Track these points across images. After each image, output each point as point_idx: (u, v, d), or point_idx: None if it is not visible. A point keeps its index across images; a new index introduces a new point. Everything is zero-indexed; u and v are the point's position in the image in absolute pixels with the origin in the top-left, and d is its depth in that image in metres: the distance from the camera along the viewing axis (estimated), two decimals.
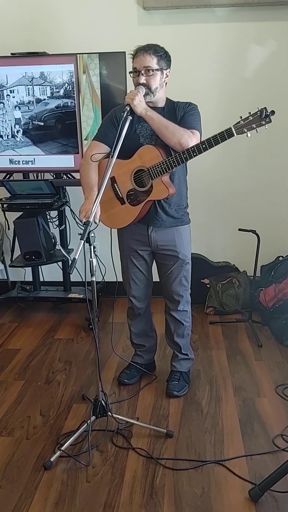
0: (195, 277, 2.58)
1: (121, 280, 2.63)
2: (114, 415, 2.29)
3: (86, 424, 2.24)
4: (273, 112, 1.98)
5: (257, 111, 2.00)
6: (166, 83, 2.29)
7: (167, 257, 2.48)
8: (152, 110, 2.20)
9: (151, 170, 2.23)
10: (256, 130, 2.02)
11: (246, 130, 2.02)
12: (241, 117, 2.03)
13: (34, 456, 2.17)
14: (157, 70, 2.20)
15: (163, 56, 2.22)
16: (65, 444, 2.16)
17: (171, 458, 2.14)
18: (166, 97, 2.34)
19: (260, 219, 3.59)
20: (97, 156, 2.33)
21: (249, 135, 2.03)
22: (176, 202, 2.39)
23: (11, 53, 3.22)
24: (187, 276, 2.53)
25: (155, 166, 2.21)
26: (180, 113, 2.28)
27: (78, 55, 3.11)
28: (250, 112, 2.01)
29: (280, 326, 3.20)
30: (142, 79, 2.20)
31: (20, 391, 2.67)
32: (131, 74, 2.26)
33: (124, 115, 2.11)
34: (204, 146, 2.09)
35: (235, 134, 2.04)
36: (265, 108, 1.98)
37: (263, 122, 1.99)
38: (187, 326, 2.63)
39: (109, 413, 2.26)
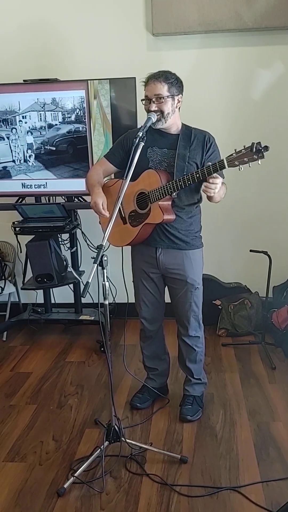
0: (206, 298, 2.57)
1: (133, 301, 2.64)
2: (127, 440, 2.26)
3: (99, 449, 2.22)
4: (266, 148, 1.94)
5: (249, 146, 1.98)
6: (179, 108, 2.32)
7: (176, 281, 2.47)
8: (220, 187, 2.18)
9: (151, 194, 2.28)
10: (249, 164, 2.00)
11: (238, 163, 2.01)
12: (235, 149, 2.04)
13: (47, 482, 2.14)
14: (168, 97, 2.23)
15: (174, 82, 2.26)
16: (79, 470, 2.14)
17: (186, 484, 2.10)
18: (182, 123, 2.37)
19: (271, 240, 3.59)
20: (110, 181, 2.51)
21: (241, 168, 2.03)
22: (184, 227, 2.39)
23: (23, 80, 3.29)
24: (197, 302, 2.51)
25: (153, 191, 2.27)
26: (199, 146, 2.30)
27: (89, 81, 3.17)
28: (244, 146, 2.01)
29: None
30: (153, 107, 2.24)
31: (33, 415, 2.65)
32: (143, 102, 2.30)
33: (137, 142, 2.13)
34: (198, 175, 2.13)
35: (226, 167, 2.05)
36: (258, 143, 1.96)
37: (255, 157, 1.97)
38: (199, 351, 2.60)
39: (122, 438, 2.24)
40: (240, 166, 2.02)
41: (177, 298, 2.51)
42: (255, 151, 1.95)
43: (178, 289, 2.49)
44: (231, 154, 2.03)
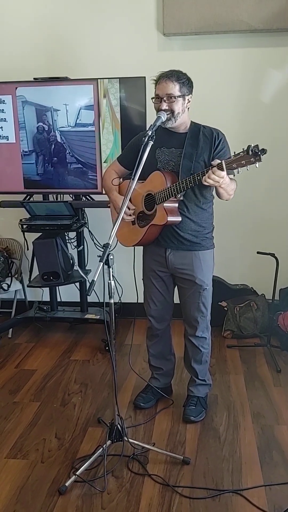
0: (212, 300, 2.55)
1: (141, 301, 2.65)
2: (130, 440, 2.25)
3: (101, 448, 2.21)
4: (263, 151, 1.90)
5: (246, 149, 1.95)
6: (188, 108, 2.32)
7: (184, 281, 2.47)
8: (228, 183, 2.16)
9: (156, 196, 2.28)
10: (247, 167, 1.96)
11: (235, 166, 1.99)
12: (234, 152, 2.02)
13: (49, 480, 2.14)
14: (179, 96, 2.23)
15: (186, 82, 2.25)
16: (80, 469, 2.13)
17: (188, 486, 2.09)
18: (191, 121, 2.36)
19: (279, 242, 3.58)
20: (116, 181, 2.52)
21: (239, 171, 2.01)
22: (193, 228, 2.37)
23: (34, 78, 3.29)
24: (205, 303, 2.50)
25: (159, 192, 2.27)
26: (206, 143, 2.28)
27: (99, 79, 3.17)
28: (243, 149, 1.97)
29: None
30: (164, 106, 2.23)
31: (36, 412, 2.65)
32: (153, 100, 2.29)
33: (145, 141, 2.12)
34: (198, 178, 2.11)
35: (225, 169, 2.02)
36: (256, 146, 1.91)
37: (253, 160, 1.93)
38: (205, 352, 2.59)
39: (125, 438, 2.23)
40: (239, 169, 1.99)
41: (186, 298, 2.51)
42: (252, 154, 1.91)
43: (186, 289, 2.48)
44: (230, 157, 2.02)
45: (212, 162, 2.08)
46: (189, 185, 2.16)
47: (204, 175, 2.08)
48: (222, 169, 2.02)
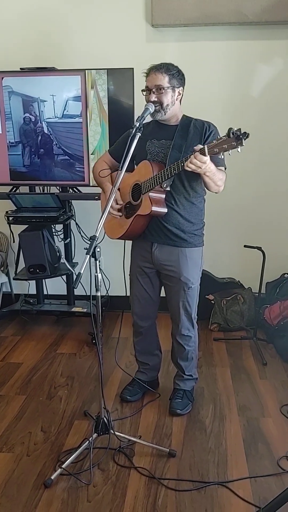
0: (199, 293, 2.55)
1: (129, 294, 2.63)
2: (116, 432, 2.25)
3: (87, 441, 2.20)
4: (245, 134, 1.85)
5: (227, 132, 1.90)
6: (180, 101, 2.30)
7: (170, 278, 2.43)
8: (213, 172, 2.12)
9: (143, 185, 2.26)
10: (229, 152, 1.92)
11: (217, 150, 1.94)
12: (218, 137, 2.00)
13: (35, 473, 2.13)
14: (168, 88, 2.21)
15: (176, 74, 2.24)
16: (66, 462, 2.13)
17: (174, 478, 2.10)
18: (184, 115, 2.34)
19: (265, 235, 3.59)
20: (105, 172, 2.48)
21: (221, 156, 2.00)
22: (180, 222, 2.33)
23: (20, 68, 3.25)
24: (190, 302, 2.46)
25: (145, 181, 2.24)
26: (197, 134, 2.26)
27: (86, 70, 3.13)
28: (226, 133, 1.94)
29: (285, 344, 3.17)
30: (153, 97, 2.22)
31: (22, 406, 2.64)
32: (143, 93, 2.27)
33: (133, 132, 2.11)
34: (182, 164, 2.07)
35: (207, 154, 1.97)
36: (238, 129, 1.85)
37: (234, 144, 1.88)
38: (190, 350, 2.57)
39: (111, 430, 2.23)
40: (221, 153, 1.95)
41: (171, 296, 2.48)
42: (234, 138, 1.86)
43: (171, 286, 2.45)
44: (212, 141, 1.99)
45: (195, 148, 2.03)
46: (173, 172, 2.12)
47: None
48: (204, 154, 1.98)
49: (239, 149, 1.89)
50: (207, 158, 2.01)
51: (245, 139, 1.85)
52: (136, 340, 2.69)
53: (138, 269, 2.50)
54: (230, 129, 1.86)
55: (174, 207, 2.31)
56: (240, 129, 1.86)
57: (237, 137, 1.86)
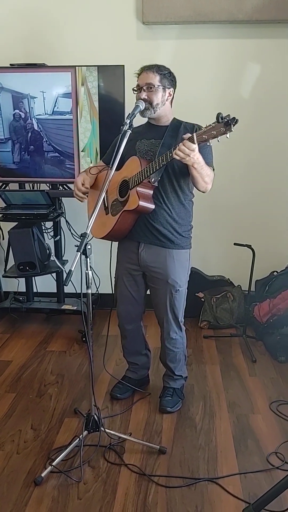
0: (189, 291, 2.54)
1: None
2: (106, 430, 2.25)
3: (78, 439, 2.20)
4: (233, 120, 1.82)
5: (216, 118, 1.87)
6: (170, 102, 2.31)
7: (156, 280, 2.41)
8: (201, 165, 2.10)
9: (130, 180, 2.25)
10: (218, 139, 1.90)
11: (206, 137, 1.91)
12: (206, 124, 1.97)
13: (25, 471, 2.13)
14: (158, 86, 2.22)
15: (167, 75, 2.25)
16: (57, 460, 2.12)
17: (164, 475, 2.10)
18: (174, 117, 2.34)
19: (255, 233, 3.61)
20: (94, 169, 2.48)
21: (209, 143, 1.99)
22: (168, 221, 2.31)
23: (10, 64, 3.22)
24: (177, 305, 2.43)
25: (133, 176, 2.23)
26: (188, 133, 2.24)
27: (77, 67, 3.12)
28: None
29: (274, 342, 3.19)
30: (143, 95, 2.22)
31: (11, 404, 2.63)
32: (134, 91, 2.28)
33: (124, 129, 2.10)
34: (170, 155, 2.06)
35: (195, 141, 1.96)
36: (227, 115, 1.83)
37: (223, 130, 1.84)
38: (179, 352, 2.56)
39: (101, 428, 2.23)
40: (209, 140, 1.93)
41: (157, 299, 2.46)
42: (222, 123, 1.84)
43: (158, 289, 2.42)
44: (201, 128, 1.97)
45: (183, 136, 2.01)
46: (162, 163, 2.11)
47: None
48: (193, 142, 1.96)
49: (228, 135, 1.87)
50: (195, 146, 1.98)
51: (234, 125, 1.83)
52: (123, 342, 2.69)
53: (124, 271, 2.48)
54: (219, 114, 1.84)
55: (162, 206, 2.30)
56: (229, 114, 1.84)
57: (226, 123, 1.84)
